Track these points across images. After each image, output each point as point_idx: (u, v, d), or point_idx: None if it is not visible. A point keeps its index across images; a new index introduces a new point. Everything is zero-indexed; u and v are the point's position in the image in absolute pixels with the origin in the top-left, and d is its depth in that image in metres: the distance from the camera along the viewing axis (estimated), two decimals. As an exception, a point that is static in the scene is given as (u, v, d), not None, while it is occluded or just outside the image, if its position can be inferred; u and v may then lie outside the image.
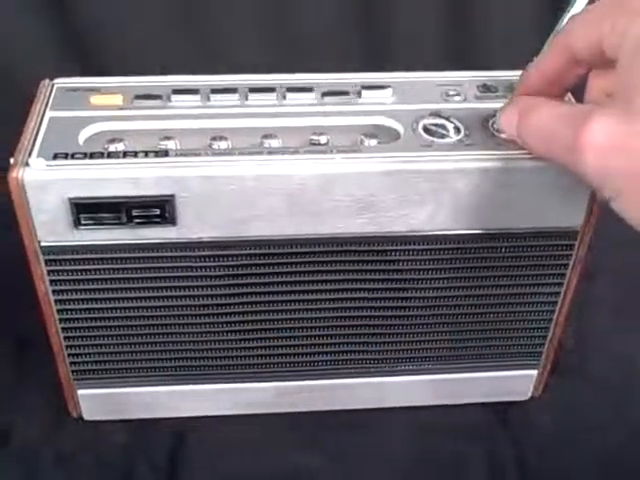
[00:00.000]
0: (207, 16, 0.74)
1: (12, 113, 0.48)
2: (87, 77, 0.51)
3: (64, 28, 0.72)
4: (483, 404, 0.58)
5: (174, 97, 0.49)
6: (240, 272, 0.48)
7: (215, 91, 0.49)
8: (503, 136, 0.46)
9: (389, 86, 0.50)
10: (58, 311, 0.49)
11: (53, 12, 0.71)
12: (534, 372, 0.57)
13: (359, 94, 0.50)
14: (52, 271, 0.47)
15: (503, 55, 0.70)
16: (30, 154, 0.44)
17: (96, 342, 0.50)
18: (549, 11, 0.75)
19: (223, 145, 0.46)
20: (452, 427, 0.57)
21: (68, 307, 0.48)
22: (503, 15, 0.76)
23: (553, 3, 0.74)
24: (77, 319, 0.49)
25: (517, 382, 0.57)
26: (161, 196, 0.44)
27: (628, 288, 0.68)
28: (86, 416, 0.55)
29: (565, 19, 0.45)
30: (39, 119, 0.47)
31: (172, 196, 0.44)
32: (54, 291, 0.48)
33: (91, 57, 0.73)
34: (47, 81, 0.50)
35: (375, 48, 0.76)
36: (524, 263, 0.50)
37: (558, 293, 0.52)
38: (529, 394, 0.58)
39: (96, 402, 0.54)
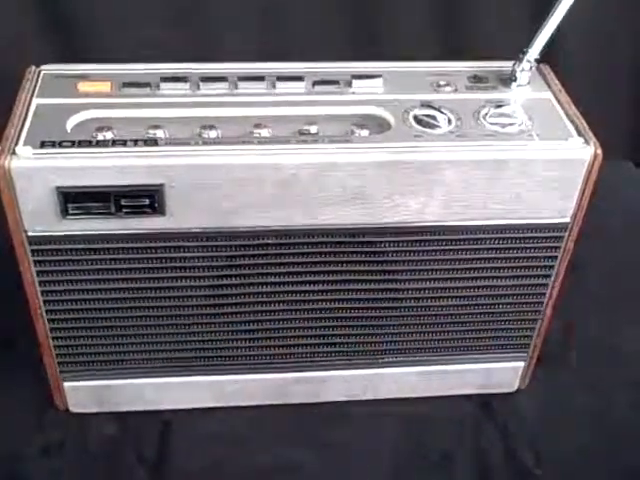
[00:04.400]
0: (196, 7, 0.74)
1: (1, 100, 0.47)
2: (74, 64, 0.50)
3: (50, 14, 0.70)
4: (470, 395, 0.58)
5: (163, 85, 0.49)
6: (229, 263, 0.48)
7: (204, 79, 0.49)
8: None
9: (380, 75, 0.50)
10: (45, 302, 0.48)
11: (42, 5, 0.70)
12: (521, 364, 0.57)
13: (349, 83, 0.50)
14: (39, 261, 0.46)
15: (493, 47, 0.70)
16: (17, 142, 0.43)
17: (83, 334, 0.50)
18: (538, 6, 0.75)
19: (213, 134, 0.45)
20: (439, 418, 0.57)
21: (55, 298, 0.48)
22: (493, 8, 0.76)
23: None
24: (64, 310, 0.49)
25: (504, 374, 0.57)
26: (150, 185, 0.44)
27: (613, 280, 0.68)
28: (73, 408, 0.55)
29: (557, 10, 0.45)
30: (26, 106, 0.46)
31: (161, 185, 0.44)
32: (41, 282, 0.47)
33: (76, 43, 0.72)
34: (34, 67, 0.50)
35: (366, 44, 0.76)
36: (513, 255, 0.50)
37: (546, 285, 0.52)
38: (516, 386, 0.58)
39: (83, 394, 0.54)
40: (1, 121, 0.45)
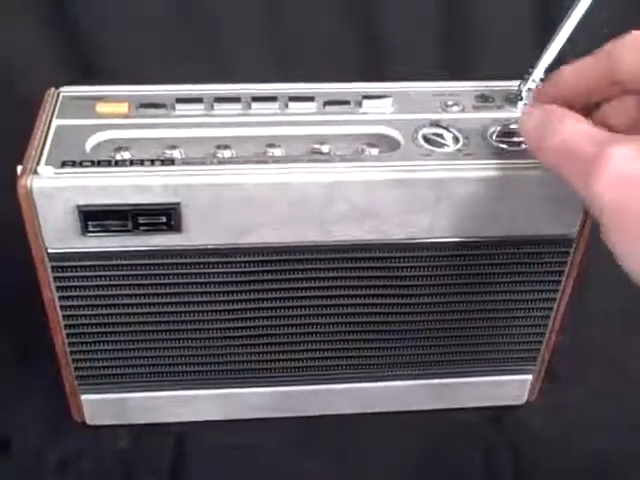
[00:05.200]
0: (205, 26, 0.75)
1: (18, 122, 0.48)
2: (92, 85, 0.52)
3: (68, 38, 0.72)
4: (479, 408, 0.59)
5: (178, 106, 0.50)
6: (243, 279, 0.49)
7: (219, 100, 0.50)
8: (504, 146, 0.48)
9: (389, 96, 0.51)
10: (64, 317, 0.49)
11: (56, 22, 0.71)
12: (529, 377, 0.58)
13: (360, 104, 0.51)
14: (59, 277, 0.47)
15: (499, 61, 0.71)
16: (38, 162, 0.45)
17: (101, 348, 0.51)
18: (547, 16, 0.76)
19: (227, 154, 0.47)
20: (448, 431, 0.58)
21: (74, 313, 0.49)
22: (499, 22, 0.77)
23: (550, 9, 0.75)
24: (82, 325, 0.50)
25: (512, 387, 0.58)
26: (167, 204, 0.45)
27: (621, 294, 0.68)
28: (89, 421, 0.56)
29: (569, 19, 0.46)
30: (46, 127, 0.48)
31: (178, 204, 0.45)
32: (60, 297, 0.48)
33: (93, 66, 0.73)
34: (53, 90, 0.51)
35: (371, 58, 0.77)
36: (521, 270, 0.51)
37: (554, 299, 0.53)
38: (524, 399, 0.59)
39: (99, 407, 0.55)
40: (22, 142, 0.47)
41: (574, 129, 0.38)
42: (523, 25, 0.76)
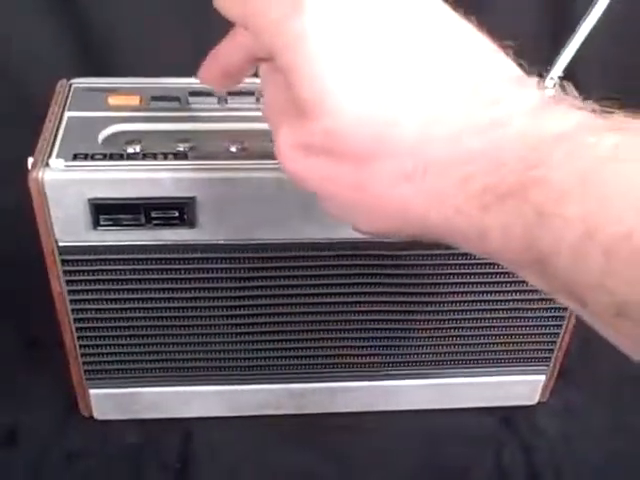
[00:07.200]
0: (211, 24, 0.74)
1: (29, 113, 0.48)
2: (104, 77, 0.51)
3: (77, 29, 0.72)
4: (490, 408, 0.58)
5: (191, 99, 0.49)
6: (255, 275, 0.48)
7: (232, 94, 0.50)
8: None
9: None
10: (73, 311, 0.49)
11: (66, 13, 0.71)
12: (542, 377, 0.57)
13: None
14: (68, 271, 0.47)
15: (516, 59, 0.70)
16: (50, 154, 0.44)
17: (109, 342, 0.51)
18: (567, 13, 0.75)
19: (240, 148, 0.46)
20: (460, 431, 0.57)
21: (83, 307, 0.49)
22: (518, 18, 0.76)
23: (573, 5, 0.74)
24: (91, 319, 0.49)
25: (525, 387, 0.58)
26: (181, 198, 0.44)
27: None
28: (97, 415, 0.55)
29: (589, 17, 0.46)
30: (58, 119, 0.47)
31: (192, 198, 0.44)
32: (70, 291, 0.48)
33: (103, 57, 0.73)
34: (64, 81, 0.51)
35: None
36: (535, 269, 0.50)
37: (568, 299, 0.52)
38: (536, 399, 0.59)
39: (107, 402, 0.54)
40: (33, 134, 0.46)
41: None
42: (542, 22, 0.75)
